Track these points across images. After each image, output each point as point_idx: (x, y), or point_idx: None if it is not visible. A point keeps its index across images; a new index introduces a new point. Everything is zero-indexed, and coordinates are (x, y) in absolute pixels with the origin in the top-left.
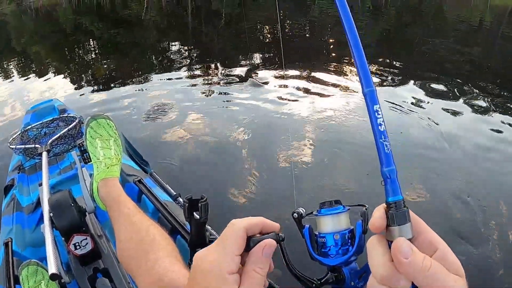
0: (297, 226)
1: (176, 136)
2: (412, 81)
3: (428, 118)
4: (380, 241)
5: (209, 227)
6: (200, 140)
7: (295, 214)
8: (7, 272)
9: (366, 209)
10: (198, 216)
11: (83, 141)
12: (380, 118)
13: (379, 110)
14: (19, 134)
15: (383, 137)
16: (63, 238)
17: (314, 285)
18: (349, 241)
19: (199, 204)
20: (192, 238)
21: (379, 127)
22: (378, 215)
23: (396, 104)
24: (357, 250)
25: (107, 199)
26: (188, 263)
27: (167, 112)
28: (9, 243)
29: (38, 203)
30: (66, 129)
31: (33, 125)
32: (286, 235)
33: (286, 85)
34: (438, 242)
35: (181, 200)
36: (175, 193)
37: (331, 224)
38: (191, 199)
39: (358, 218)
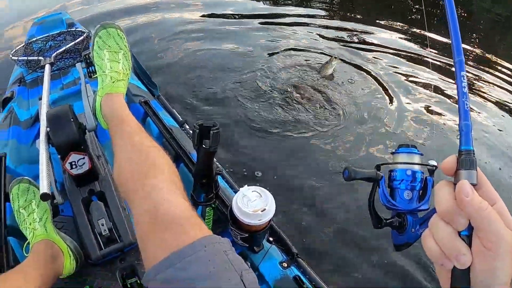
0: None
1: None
2: None
3: None
4: (448, 183)
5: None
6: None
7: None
8: None
9: (436, 167)
10: (207, 146)
11: (90, 52)
12: (465, 82)
13: (465, 76)
14: (23, 46)
15: (465, 96)
16: (59, 156)
17: (380, 224)
18: (419, 184)
19: (210, 132)
20: (199, 167)
21: (463, 89)
22: (450, 158)
23: None
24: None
25: (109, 116)
26: (191, 194)
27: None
28: (3, 158)
29: (37, 118)
30: (73, 43)
31: (38, 37)
32: None
33: None
34: (497, 198)
35: (187, 127)
36: (181, 119)
37: (405, 160)
38: (202, 125)
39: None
